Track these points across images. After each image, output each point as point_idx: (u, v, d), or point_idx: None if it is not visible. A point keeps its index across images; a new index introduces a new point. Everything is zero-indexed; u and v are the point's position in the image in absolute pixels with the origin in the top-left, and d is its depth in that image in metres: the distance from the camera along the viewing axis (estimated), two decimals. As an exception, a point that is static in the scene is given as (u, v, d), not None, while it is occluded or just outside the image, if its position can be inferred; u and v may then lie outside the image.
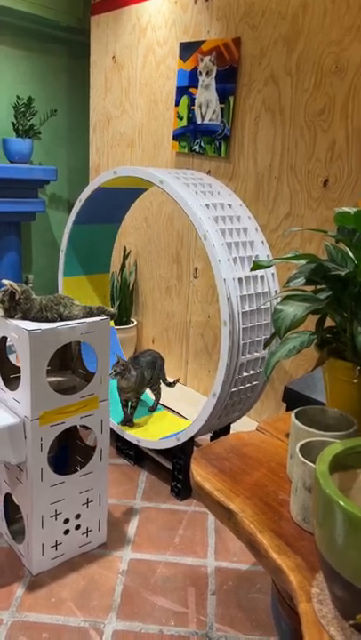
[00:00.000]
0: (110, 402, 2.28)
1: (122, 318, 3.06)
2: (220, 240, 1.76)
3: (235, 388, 1.82)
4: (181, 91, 2.61)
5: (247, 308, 1.78)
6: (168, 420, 2.26)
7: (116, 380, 2.11)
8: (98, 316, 1.58)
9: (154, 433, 2.15)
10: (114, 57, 3.03)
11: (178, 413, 2.50)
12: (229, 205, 1.91)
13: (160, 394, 2.29)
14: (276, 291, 1.90)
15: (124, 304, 3.05)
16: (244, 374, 1.83)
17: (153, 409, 2.31)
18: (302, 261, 0.95)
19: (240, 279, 1.77)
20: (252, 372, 1.85)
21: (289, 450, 0.91)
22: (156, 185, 1.86)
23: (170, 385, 2.30)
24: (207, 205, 1.83)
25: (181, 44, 2.58)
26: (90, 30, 3.16)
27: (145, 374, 2.15)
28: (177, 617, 1.49)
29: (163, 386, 2.29)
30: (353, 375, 0.89)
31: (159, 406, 2.34)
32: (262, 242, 1.90)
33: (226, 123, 2.42)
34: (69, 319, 1.54)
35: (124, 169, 1.97)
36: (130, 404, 2.17)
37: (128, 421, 2.19)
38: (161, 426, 2.21)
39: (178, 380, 2.34)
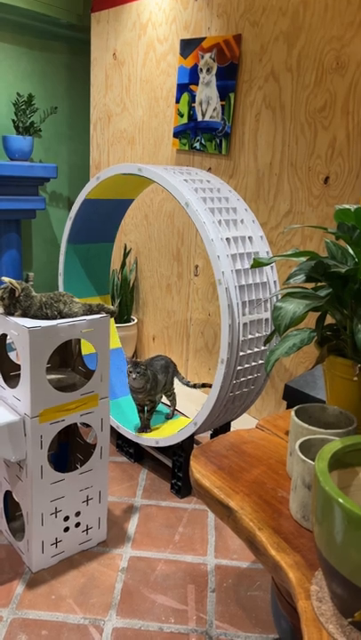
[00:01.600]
0: (124, 409, 2.29)
1: (122, 316, 3.06)
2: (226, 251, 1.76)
3: (236, 380, 1.82)
4: (182, 88, 2.60)
5: (247, 310, 1.78)
6: (180, 423, 2.22)
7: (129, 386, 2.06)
8: (98, 313, 1.58)
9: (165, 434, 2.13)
10: (114, 54, 3.02)
11: (178, 411, 2.49)
12: (242, 221, 1.91)
13: (175, 400, 2.22)
14: (275, 281, 1.89)
15: (124, 302, 3.04)
16: (245, 365, 1.82)
17: (170, 416, 2.23)
18: (302, 259, 0.94)
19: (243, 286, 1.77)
20: (253, 363, 1.85)
21: (289, 447, 0.91)
22: (178, 199, 1.86)
23: (194, 386, 2.22)
24: (227, 240, 1.80)
25: (182, 40, 2.57)
26: (90, 27, 3.15)
27: (159, 377, 2.10)
28: (177, 614, 1.49)
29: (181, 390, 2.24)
30: (353, 373, 0.89)
31: (176, 414, 2.28)
32: (271, 267, 1.90)
33: (226, 120, 2.41)
34: (69, 317, 1.54)
35: (147, 169, 1.90)
36: (145, 408, 2.12)
37: (145, 428, 2.11)
38: (170, 427, 2.19)
39: (206, 385, 2.14)
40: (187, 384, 2.23)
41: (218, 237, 1.76)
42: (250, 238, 1.87)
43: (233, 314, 1.73)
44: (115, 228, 2.41)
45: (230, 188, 2.01)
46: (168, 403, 2.25)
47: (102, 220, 2.31)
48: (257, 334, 1.83)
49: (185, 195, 1.79)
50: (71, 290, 2.33)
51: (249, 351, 1.81)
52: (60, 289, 2.34)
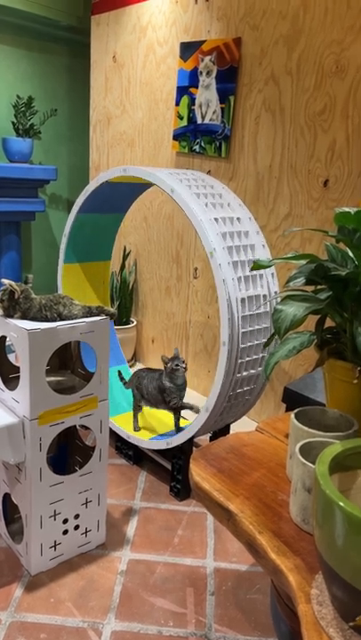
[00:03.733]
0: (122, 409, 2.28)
1: (121, 318, 3.06)
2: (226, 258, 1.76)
3: (237, 376, 1.82)
4: (182, 90, 2.61)
5: (247, 312, 1.78)
6: (168, 418, 2.24)
7: (162, 385, 2.02)
8: (97, 315, 1.58)
9: (145, 432, 2.14)
10: (114, 56, 3.02)
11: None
12: (238, 220, 1.91)
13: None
14: (275, 292, 1.89)
15: (123, 304, 3.04)
16: (244, 373, 1.82)
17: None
18: (302, 261, 0.94)
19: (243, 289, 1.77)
20: (251, 371, 1.85)
21: (288, 450, 0.91)
22: (167, 193, 1.86)
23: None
24: (216, 220, 1.81)
25: (182, 43, 2.57)
26: (90, 30, 3.16)
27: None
28: (176, 617, 1.48)
29: None
30: (353, 376, 0.89)
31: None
32: (272, 274, 1.90)
33: (226, 123, 2.42)
34: (69, 319, 1.54)
35: (134, 169, 1.93)
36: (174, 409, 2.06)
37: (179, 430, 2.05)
38: (158, 423, 2.20)
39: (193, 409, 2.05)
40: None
41: (220, 246, 1.75)
42: (252, 246, 1.86)
43: (232, 309, 1.72)
44: (130, 202, 2.38)
45: (234, 195, 2.01)
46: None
47: (119, 196, 2.28)
48: (256, 341, 1.83)
49: (190, 205, 1.79)
50: (73, 252, 2.33)
51: (248, 357, 1.81)
52: (62, 251, 2.32)
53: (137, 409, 2.19)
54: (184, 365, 2.00)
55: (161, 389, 2.04)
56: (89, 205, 2.23)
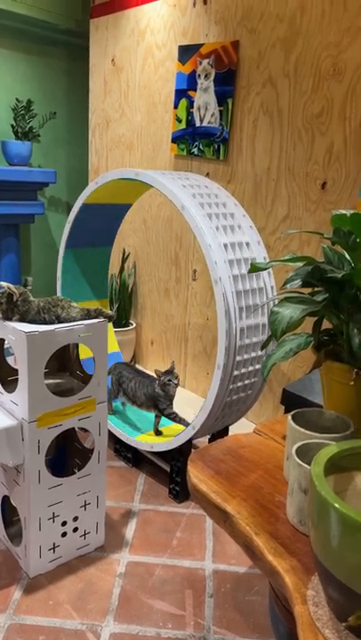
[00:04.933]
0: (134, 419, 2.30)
1: (121, 320, 3.06)
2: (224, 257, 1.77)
3: (233, 385, 1.82)
4: (180, 93, 2.61)
5: (244, 314, 1.78)
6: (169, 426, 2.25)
7: (159, 394, 2.08)
8: (95, 318, 1.58)
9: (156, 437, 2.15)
10: (113, 60, 3.03)
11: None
12: (231, 215, 1.92)
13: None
14: (272, 286, 1.90)
15: (122, 306, 3.05)
16: (243, 370, 1.83)
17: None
18: (299, 264, 0.95)
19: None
20: (250, 368, 1.85)
21: (286, 452, 0.91)
22: (176, 205, 1.86)
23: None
24: (225, 246, 1.81)
25: (180, 47, 2.58)
26: (89, 33, 3.17)
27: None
28: (174, 620, 1.48)
29: None
30: (350, 377, 0.89)
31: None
32: (269, 272, 1.91)
33: (224, 125, 2.43)
34: (67, 321, 1.54)
35: (144, 174, 1.92)
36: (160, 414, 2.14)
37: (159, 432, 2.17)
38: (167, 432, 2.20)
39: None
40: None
41: (216, 243, 1.76)
42: (247, 244, 1.87)
43: (230, 319, 1.73)
44: (113, 231, 2.42)
45: (227, 193, 2.02)
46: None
47: (101, 224, 2.32)
48: (254, 339, 1.83)
49: (184, 202, 1.80)
50: (69, 294, 2.34)
51: (246, 356, 1.81)
52: (58, 293, 2.34)
53: (111, 400, 2.26)
54: (176, 382, 2.05)
55: (152, 397, 2.09)
56: (75, 239, 2.26)
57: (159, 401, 2.08)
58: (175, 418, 2.09)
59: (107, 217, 2.31)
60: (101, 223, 2.31)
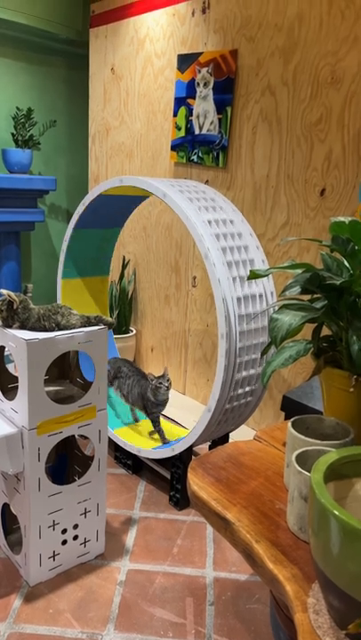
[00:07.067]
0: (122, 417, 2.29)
1: (121, 327, 3.06)
2: (220, 259, 1.78)
3: (233, 392, 1.82)
4: (179, 101, 2.63)
5: (244, 323, 1.79)
6: (166, 429, 2.25)
7: (151, 398, 2.11)
8: (95, 325, 1.59)
9: (150, 442, 2.15)
10: (112, 68, 3.05)
11: (176, 422, 2.49)
12: (231, 221, 1.92)
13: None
14: (272, 292, 1.90)
15: (122, 313, 3.05)
16: (243, 373, 1.83)
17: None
18: (298, 271, 0.95)
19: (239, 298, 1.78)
20: (251, 371, 1.85)
21: (286, 459, 0.91)
22: (160, 198, 1.88)
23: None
24: (209, 222, 1.83)
25: (179, 55, 2.60)
26: (89, 42, 3.19)
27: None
28: (175, 628, 1.48)
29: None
30: (349, 384, 0.89)
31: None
32: (271, 293, 1.93)
33: (223, 133, 2.44)
34: (67, 328, 1.54)
35: (129, 178, 1.97)
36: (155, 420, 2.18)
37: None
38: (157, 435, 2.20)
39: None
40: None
41: (214, 247, 1.77)
42: (245, 248, 1.88)
43: (230, 324, 1.73)
44: (126, 216, 2.42)
45: (229, 201, 2.03)
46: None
47: (115, 210, 2.32)
48: (254, 339, 1.83)
49: (185, 210, 1.80)
50: (71, 268, 2.36)
51: (247, 357, 1.81)
52: (60, 268, 2.35)
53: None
54: (167, 385, 2.09)
55: (143, 397, 2.14)
56: (86, 221, 2.25)
57: (148, 403, 2.12)
58: (156, 426, 2.15)
59: (121, 204, 2.32)
60: (115, 209, 2.32)
